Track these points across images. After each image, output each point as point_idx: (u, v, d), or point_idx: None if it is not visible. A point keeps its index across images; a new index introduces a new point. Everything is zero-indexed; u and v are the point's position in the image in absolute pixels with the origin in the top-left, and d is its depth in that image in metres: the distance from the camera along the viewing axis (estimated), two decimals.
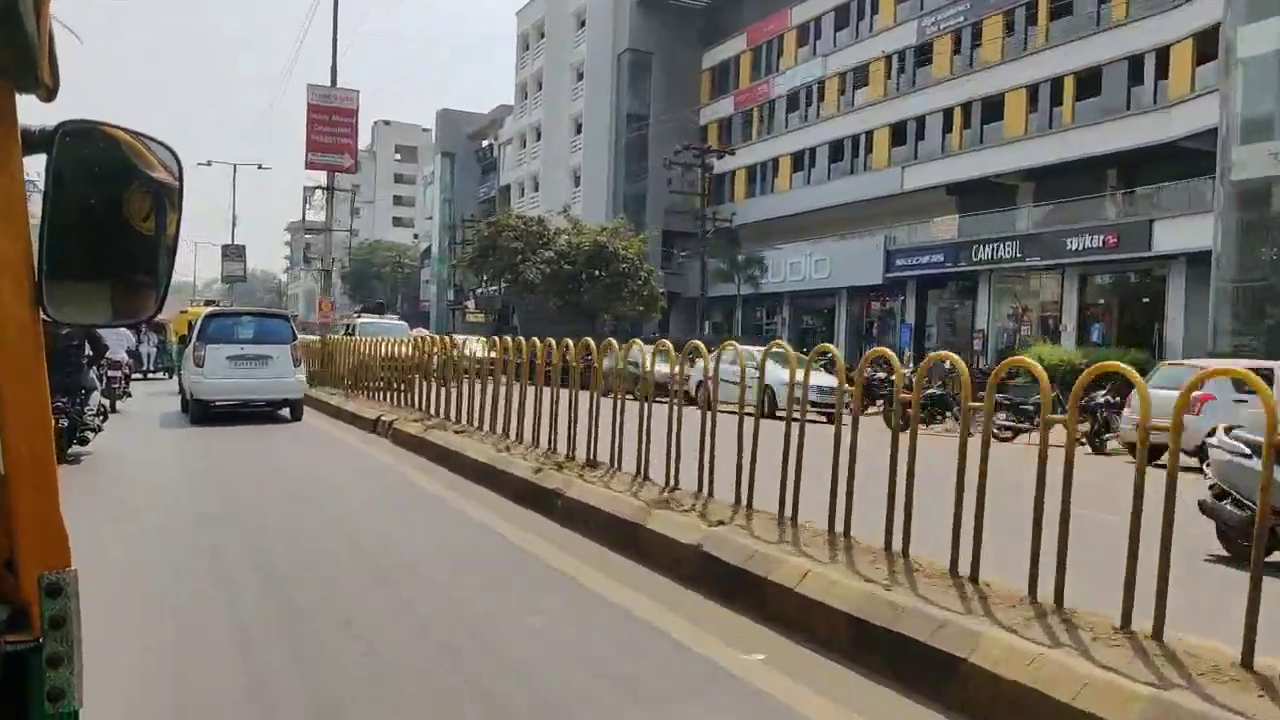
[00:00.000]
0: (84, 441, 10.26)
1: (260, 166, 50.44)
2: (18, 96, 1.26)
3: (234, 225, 46.74)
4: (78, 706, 1.32)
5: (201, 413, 14.35)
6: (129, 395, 17.22)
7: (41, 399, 1.31)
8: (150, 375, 25.73)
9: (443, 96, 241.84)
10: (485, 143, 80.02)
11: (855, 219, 39.81)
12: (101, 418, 10.99)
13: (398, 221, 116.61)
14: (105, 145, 1.33)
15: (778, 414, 8.03)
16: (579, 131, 55.07)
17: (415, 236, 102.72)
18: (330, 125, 21.55)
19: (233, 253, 45.45)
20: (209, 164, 44.79)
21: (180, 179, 1.43)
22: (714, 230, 33.56)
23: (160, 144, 1.40)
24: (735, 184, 47.54)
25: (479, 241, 32.98)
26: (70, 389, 9.77)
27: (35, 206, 1.33)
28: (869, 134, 40.05)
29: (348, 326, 25.97)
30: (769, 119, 46.41)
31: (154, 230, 1.38)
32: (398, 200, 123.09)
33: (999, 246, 32.51)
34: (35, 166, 1.40)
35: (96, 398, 10.88)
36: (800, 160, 44.34)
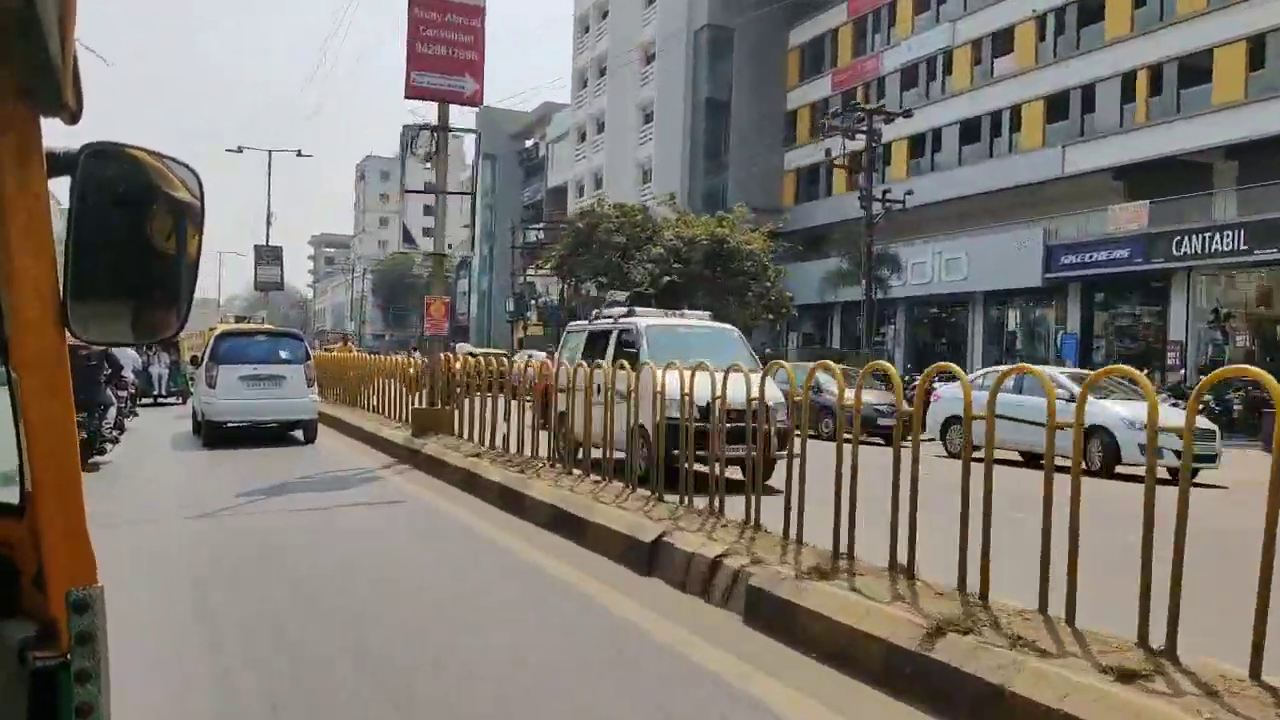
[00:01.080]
0: (102, 452, 11.25)
1: (300, 154, 43.85)
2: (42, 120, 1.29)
3: (269, 222, 40.67)
4: None
5: (214, 435, 14.09)
6: (135, 414, 16.40)
7: (68, 418, 1.34)
8: (162, 400, 23.46)
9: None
10: (529, 143, 74.39)
11: (993, 210, 33.58)
12: (118, 430, 12.32)
13: (427, 232, 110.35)
14: (128, 166, 1.35)
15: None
16: (648, 120, 49.16)
17: (450, 246, 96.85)
18: (443, 30, 14.91)
19: (268, 255, 39.35)
20: (239, 150, 38.94)
21: (201, 199, 1.44)
22: (883, 213, 27.14)
23: (181, 164, 1.42)
24: (833, 175, 41.55)
25: (572, 237, 26.83)
26: (89, 404, 10.52)
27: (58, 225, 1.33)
28: (1015, 110, 33.86)
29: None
30: (877, 99, 40.29)
31: (176, 250, 1.40)
32: (428, 210, 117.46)
33: (1211, 238, 26.11)
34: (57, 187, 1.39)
35: (114, 412, 11.90)
36: (920, 145, 38.19)
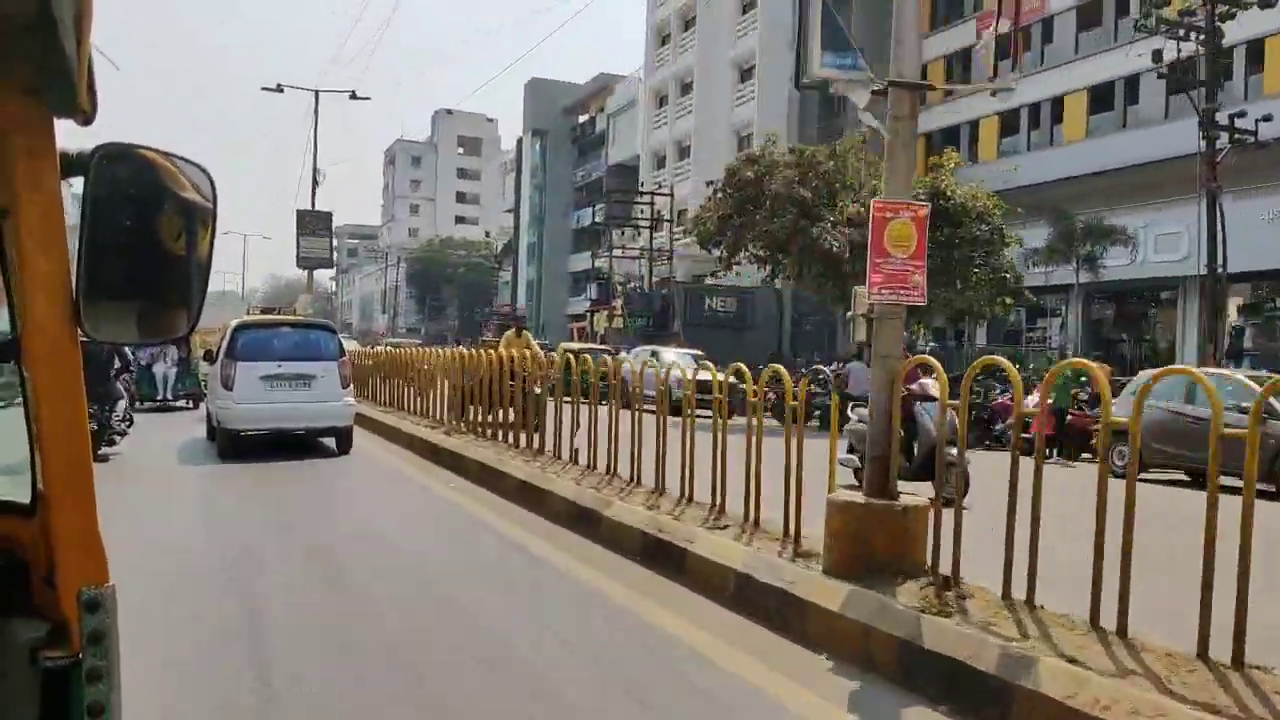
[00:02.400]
0: (112, 443, 11.63)
1: (354, 95, 33.07)
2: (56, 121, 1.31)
3: (315, 180, 32.47)
4: None
5: (231, 445, 12.18)
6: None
7: (80, 417, 1.35)
8: (171, 404, 20.00)
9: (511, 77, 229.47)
10: (583, 118, 67.57)
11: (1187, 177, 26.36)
12: (127, 423, 12.48)
13: (460, 220, 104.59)
14: (140, 167, 1.36)
15: None
16: (744, 79, 42.23)
17: (487, 234, 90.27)
18: None
19: (314, 223, 31.60)
20: (279, 89, 31.39)
21: (214, 199, 1.45)
22: (1230, 149, 19.70)
23: (194, 165, 1.43)
24: (981, 133, 34.57)
25: (733, 194, 19.43)
26: (100, 398, 10.89)
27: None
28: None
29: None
30: (1043, 43, 33.25)
31: (186, 250, 1.41)
32: (460, 198, 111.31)
33: None
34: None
35: (123, 405, 12.43)
36: (1105, 97, 31.11)
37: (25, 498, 1.40)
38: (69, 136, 1.35)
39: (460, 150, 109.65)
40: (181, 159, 1.41)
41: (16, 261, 1.30)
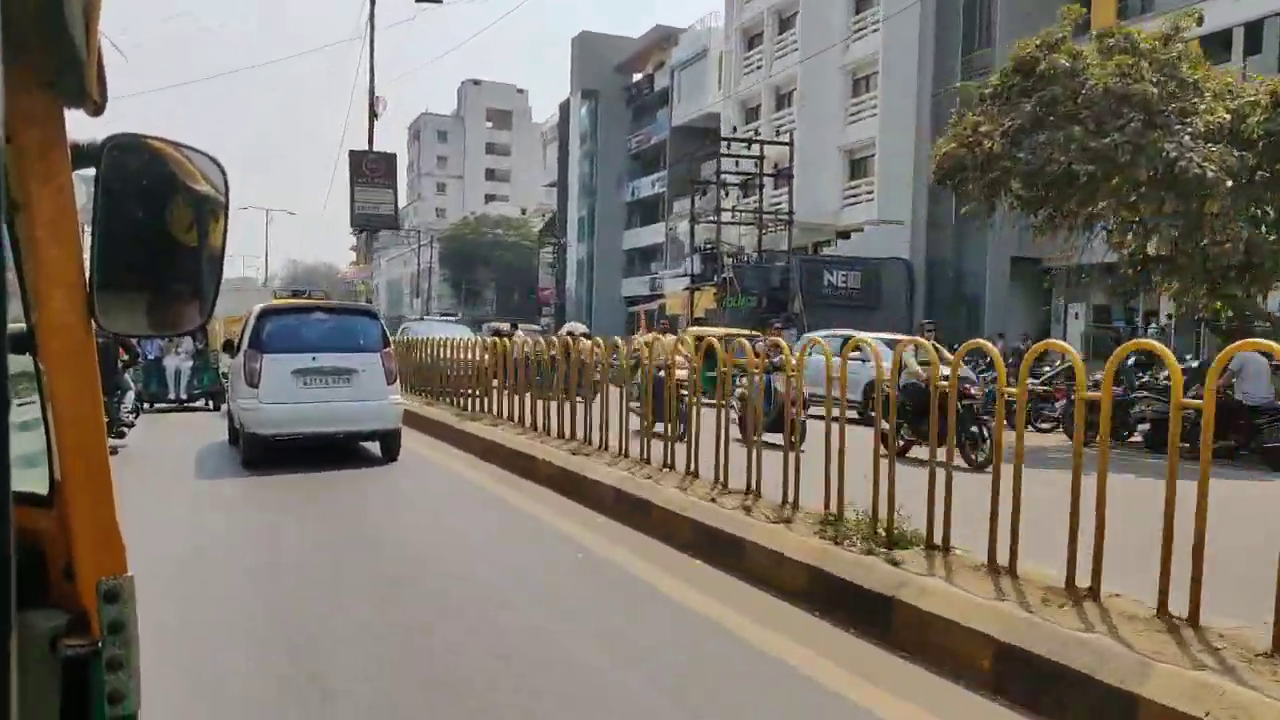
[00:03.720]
0: (120, 435, 11.17)
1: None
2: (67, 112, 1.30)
3: (372, 111, 23.24)
4: (136, 709, 1.35)
5: (257, 453, 10.53)
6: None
7: (96, 408, 1.35)
8: (188, 405, 17.04)
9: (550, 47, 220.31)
10: (637, 76, 60.34)
11: None
12: (134, 414, 12.42)
13: (490, 198, 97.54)
14: (151, 158, 1.35)
15: None
16: (860, 9, 35.13)
17: (524, 211, 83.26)
18: None
19: (374, 169, 23.02)
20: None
21: (226, 190, 1.44)
22: None
23: (205, 155, 1.42)
24: None
25: (1026, 97, 12.11)
26: (108, 389, 10.17)
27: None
28: None
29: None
30: None
31: (200, 241, 1.40)
32: (490, 175, 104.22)
33: None
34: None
35: (130, 396, 12.32)
36: None
37: (43, 489, 1.39)
38: (75, 127, 1.33)
39: (489, 124, 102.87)
40: (192, 149, 1.39)
41: (29, 253, 1.28)
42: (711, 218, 32.01)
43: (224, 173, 1.42)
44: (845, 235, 34.59)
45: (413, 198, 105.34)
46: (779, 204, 34.45)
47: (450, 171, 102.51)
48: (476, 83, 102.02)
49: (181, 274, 1.40)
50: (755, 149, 33.05)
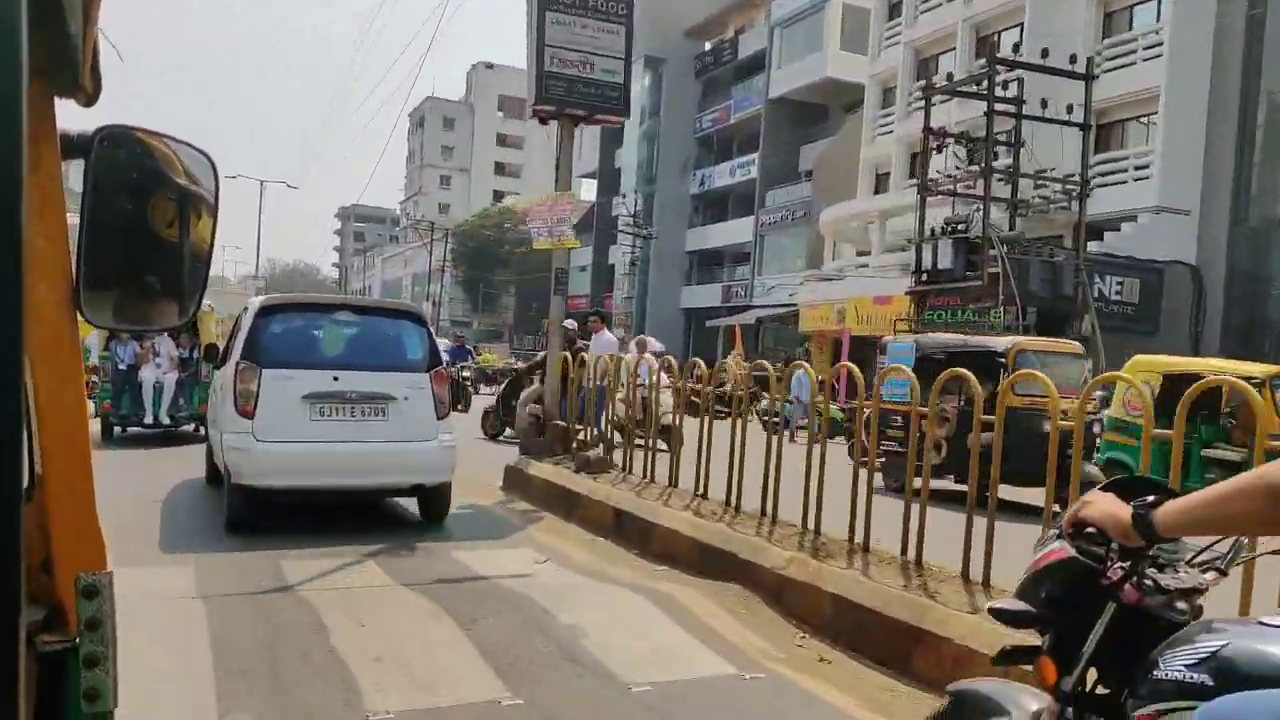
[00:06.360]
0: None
1: None
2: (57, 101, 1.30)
3: None
4: (113, 706, 1.34)
5: (245, 511, 7.27)
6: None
7: (79, 402, 1.34)
8: (172, 430, 13.60)
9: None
10: (709, 43, 49.93)
11: None
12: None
13: (498, 196, 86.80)
14: (141, 151, 1.34)
15: None
16: None
17: None
18: None
19: None
20: None
21: (216, 185, 1.43)
22: None
23: (196, 149, 1.41)
24: None
25: None
26: None
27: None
28: None
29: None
30: None
31: (189, 237, 1.39)
32: (499, 169, 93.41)
33: None
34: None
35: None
36: None
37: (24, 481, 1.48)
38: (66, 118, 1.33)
39: (501, 113, 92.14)
40: (184, 143, 1.38)
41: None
42: (946, 186, 21.43)
43: (215, 168, 1.41)
44: (1092, 229, 24.14)
45: (412, 191, 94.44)
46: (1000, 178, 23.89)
47: (456, 164, 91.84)
48: (489, 66, 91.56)
49: (169, 269, 1.38)
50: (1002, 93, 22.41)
